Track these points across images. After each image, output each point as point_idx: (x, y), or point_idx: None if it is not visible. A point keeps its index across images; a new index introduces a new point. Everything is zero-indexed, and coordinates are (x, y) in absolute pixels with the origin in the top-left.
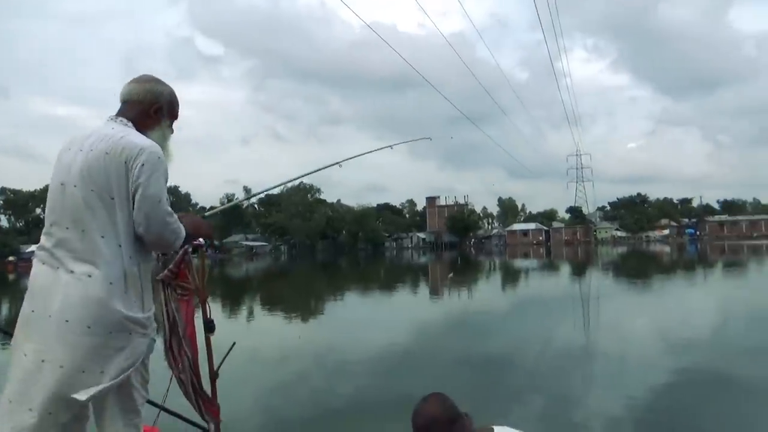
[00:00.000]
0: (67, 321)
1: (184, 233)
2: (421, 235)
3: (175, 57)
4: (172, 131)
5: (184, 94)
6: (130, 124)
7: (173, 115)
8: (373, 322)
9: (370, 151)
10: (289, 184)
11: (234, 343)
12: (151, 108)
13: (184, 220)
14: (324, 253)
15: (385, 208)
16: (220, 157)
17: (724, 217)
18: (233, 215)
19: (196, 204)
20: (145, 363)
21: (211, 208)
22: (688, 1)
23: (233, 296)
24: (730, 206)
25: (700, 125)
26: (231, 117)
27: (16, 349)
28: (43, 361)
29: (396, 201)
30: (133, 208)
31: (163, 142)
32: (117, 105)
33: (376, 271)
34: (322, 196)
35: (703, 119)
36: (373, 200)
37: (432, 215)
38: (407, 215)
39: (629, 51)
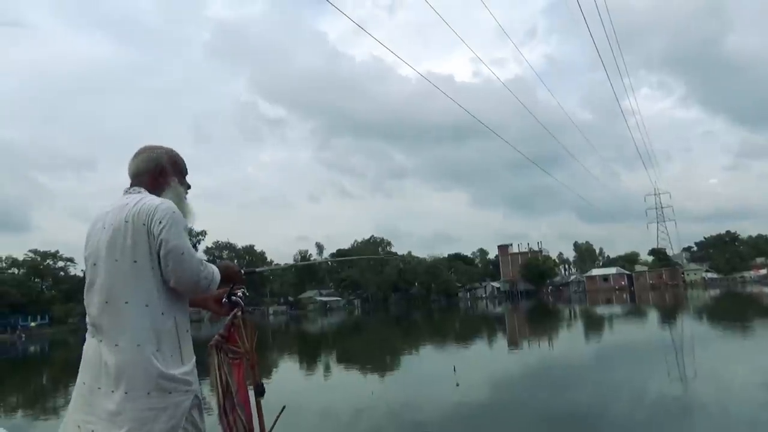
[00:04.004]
0: (112, 392)
1: (218, 277)
2: (495, 284)
3: (240, 122)
4: (186, 188)
5: (252, 156)
6: (143, 190)
7: (179, 172)
8: (449, 377)
9: (397, 257)
10: (360, 239)
11: (284, 407)
12: (156, 172)
13: (217, 265)
14: (397, 306)
15: (457, 258)
16: (291, 215)
17: None
18: (307, 271)
19: (272, 261)
20: (194, 422)
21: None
22: (756, 28)
23: (308, 352)
24: None
25: None
26: (299, 176)
27: (70, 419)
28: (93, 431)
29: (467, 250)
30: (161, 266)
31: (178, 200)
32: (190, 170)
33: (450, 324)
34: (393, 249)
35: None
36: (444, 250)
37: (505, 263)
38: (479, 264)
39: (697, 85)
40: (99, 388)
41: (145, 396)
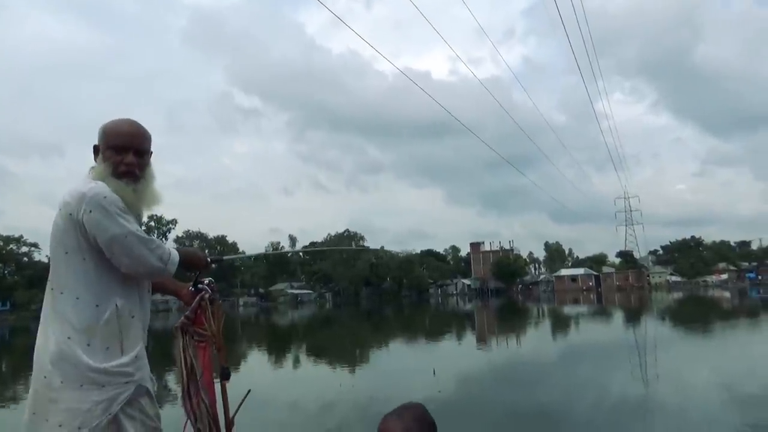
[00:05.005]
0: (45, 377)
1: (176, 257)
2: (466, 281)
3: (215, 112)
4: (118, 163)
5: (227, 147)
6: (89, 172)
7: (109, 146)
8: (418, 372)
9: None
10: (333, 233)
11: (249, 391)
12: (98, 148)
13: (179, 250)
14: (368, 301)
15: (429, 255)
16: (265, 206)
17: None
18: (279, 264)
19: (243, 252)
20: (144, 410)
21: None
22: (726, 39)
23: (277, 344)
24: None
25: (751, 164)
26: (273, 168)
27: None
28: (34, 413)
29: (439, 247)
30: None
31: (101, 177)
32: (158, 157)
33: (421, 320)
34: (366, 243)
35: (754, 158)
36: (417, 246)
37: (477, 261)
38: (451, 261)
39: (669, 92)
40: (39, 371)
41: (78, 388)
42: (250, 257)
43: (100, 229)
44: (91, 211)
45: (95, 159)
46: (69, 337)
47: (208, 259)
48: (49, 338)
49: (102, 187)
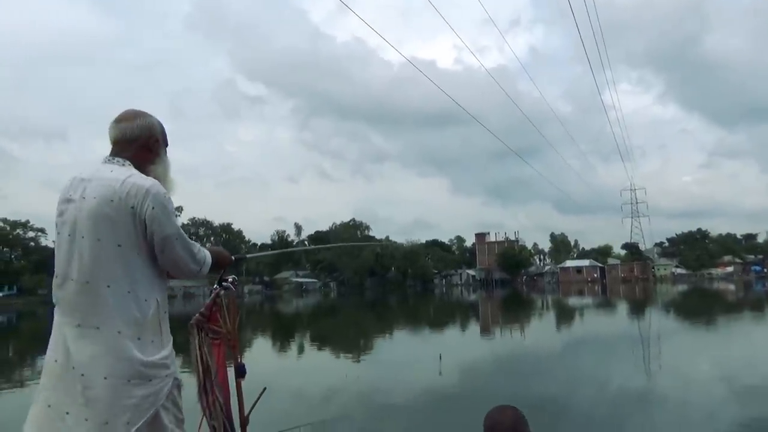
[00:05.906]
0: (83, 375)
1: (209, 261)
2: (471, 272)
3: (219, 98)
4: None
5: (231, 134)
6: (128, 163)
7: (167, 143)
8: (422, 362)
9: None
10: (338, 222)
11: (265, 389)
12: (149, 142)
13: (210, 250)
14: (373, 290)
15: (434, 245)
16: (269, 194)
17: None
18: (284, 252)
19: (249, 241)
20: (176, 403)
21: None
22: (734, 30)
23: (282, 333)
24: None
25: (758, 156)
26: (278, 156)
27: (40, 397)
28: (67, 413)
29: (444, 237)
30: (154, 251)
31: (166, 174)
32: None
33: (425, 310)
34: (371, 233)
35: (761, 150)
36: (422, 236)
37: (482, 252)
38: (456, 252)
39: (676, 83)
40: (73, 368)
41: (126, 383)
42: (271, 255)
43: (160, 226)
44: (154, 208)
45: (155, 152)
46: (119, 332)
47: (233, 258)
48: (90, 332)
49: (160, 185)
